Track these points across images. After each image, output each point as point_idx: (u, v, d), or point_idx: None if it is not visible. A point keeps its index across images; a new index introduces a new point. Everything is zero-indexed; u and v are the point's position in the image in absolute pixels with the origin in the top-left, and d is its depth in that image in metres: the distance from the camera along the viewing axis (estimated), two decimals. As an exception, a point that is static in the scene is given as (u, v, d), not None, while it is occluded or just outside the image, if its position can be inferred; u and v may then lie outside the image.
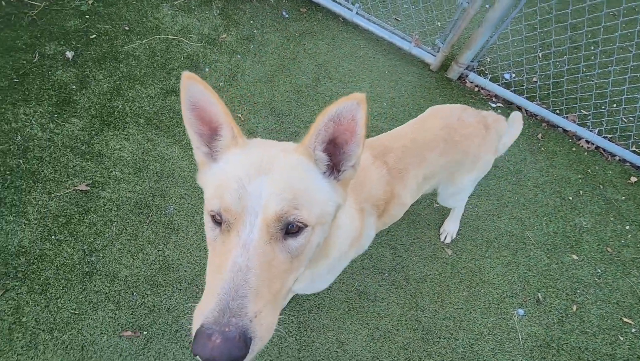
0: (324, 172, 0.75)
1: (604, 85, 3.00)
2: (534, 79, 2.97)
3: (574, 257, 2.21)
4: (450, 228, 2.12)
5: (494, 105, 2.84)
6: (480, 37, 2.58)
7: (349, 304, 1.85)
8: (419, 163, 1.30)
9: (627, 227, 2.38)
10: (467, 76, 2.87)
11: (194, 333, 0.57)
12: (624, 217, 2.43)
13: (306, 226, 0.67)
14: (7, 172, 1.83)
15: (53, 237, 1.73)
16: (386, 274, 1.97)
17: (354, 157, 0.74)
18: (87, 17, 2.44)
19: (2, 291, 1.58)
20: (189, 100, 0.70)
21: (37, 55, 2.19)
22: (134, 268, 1.73)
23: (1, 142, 1.90)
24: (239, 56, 2.57)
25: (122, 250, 1.76)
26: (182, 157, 2.06)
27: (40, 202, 1.80)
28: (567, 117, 2.79)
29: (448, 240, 2.12)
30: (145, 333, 1.61)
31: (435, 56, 2.84)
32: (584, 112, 2.86)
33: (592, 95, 2.75)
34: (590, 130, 2.75)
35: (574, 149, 2.73)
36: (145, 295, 1.69)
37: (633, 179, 2.64)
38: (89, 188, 1.87)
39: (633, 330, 2.00)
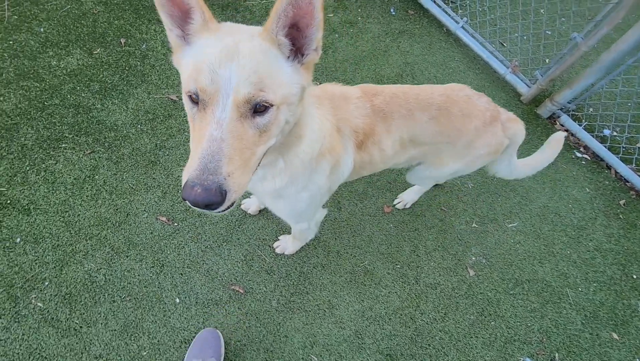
0: (288, 57, 0.82)
1: None
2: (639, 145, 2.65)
3: (615, 335, 1.94)
4: (408, 197, 2.09)
5: (579, 154, 2.60)
6: (586, 78, 2.40)
7: (352, 276, 1.89)
8: (406, 116, 1.26)
9: (699, 334, 2.00)
10: (559, 117, 2.68)
11: (183, 185, 0.73)
12: (699, 321, 2.04)
13: (272, 105, 0.78)
14: (127, 68, 2.26)
15: (139, 126, 2.09)
16: (398, 266, 1.96)
17: (315, 40, 0.80)
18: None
19: (90, 151, 1.97)
20: None
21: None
22: (187, 172, 2.01)
23: (131, 45, 2.34)
24: (337, 35, 2.77)
25: (184, 155, 2.05)
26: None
27: (140, 97, 2.18)
28: (665, 194, 2.44)
29: (400, 207, 2.11)
30: (175, 224, 1.86)
31: (529, 87, 2.71)
32: (690, 196, 2.47)
33: None
34: (691, 217, 2.36)
35: (661, 230, 2.37)
36: (187, 196, 1.94)
37: None
38: (177, 99, 2.21)
39: None
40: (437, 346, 1.78)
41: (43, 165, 1.89)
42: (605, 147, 2.56)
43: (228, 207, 0.76)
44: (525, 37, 2.97)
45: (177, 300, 1.70)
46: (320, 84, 1.33)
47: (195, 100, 0.77)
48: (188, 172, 0.72)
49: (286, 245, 1.84)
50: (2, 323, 1.55)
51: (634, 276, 2.15)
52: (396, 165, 1.50)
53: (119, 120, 2.08)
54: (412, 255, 2.00)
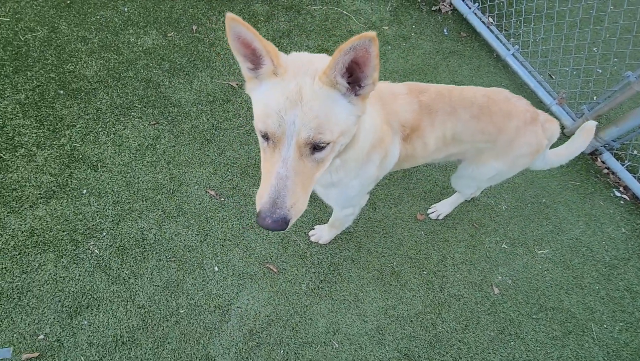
0: (344, 93, 0.91)
1: None
2: (683, 192, 2.60)
3: (637, 377, 1.91)
4: (442, 209, 2.14)
5: (618, 194, 2.58)
6: (634, 118, 2.40)
7: (379, 274, 1.96)
8: (450, 113, 1.33)
9: None
10: (601, 153, 2.67)
11: (257, 212, 0.90)
12: None
13: (329, 143, 0.91)
14: (195, 53, 2.45)
15: (199, 106, 2.26)
16: (425, 272, 2.01)
17: (371, 78, 0.89)
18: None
19: (154, 122, 2.15)
20: (234, 33, 0.88)
21: (249, -12, 2.85)
22: (238, 153, 2.15)
23: (201, 33, 2.54)
24: (389, 47, 2.89)
25: (237, 138, 2.19)
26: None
27: (203, 80, 2.36)
28: None
29: (433, 217, 2.16)
30: (222, 199, 2.00)
31: (574, 121, 2.72)
32: None
33: None
34: None
35: (697, 282, 2.31)
36: (235, 175, 2.08)
37: None
38: (237, 86, 2.38)
39: None
40: (454, 355, 1.82)
41: (113, 129, 2.08)
42: (647, 189, 2.53)
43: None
44: (575, 72, 2.99)
45: (216, 268, 1.82)
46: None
47: (265, 136, 0.93)
48: (260, 202, 0.90)
49: (321, 233, 1.94)
50: (63, 263, 1.71)
51: (664, 323, 2.11)
52: (434, 160, 1.58)
53: (182, 98, 2.26)
54: (440, 264, 2.05)
